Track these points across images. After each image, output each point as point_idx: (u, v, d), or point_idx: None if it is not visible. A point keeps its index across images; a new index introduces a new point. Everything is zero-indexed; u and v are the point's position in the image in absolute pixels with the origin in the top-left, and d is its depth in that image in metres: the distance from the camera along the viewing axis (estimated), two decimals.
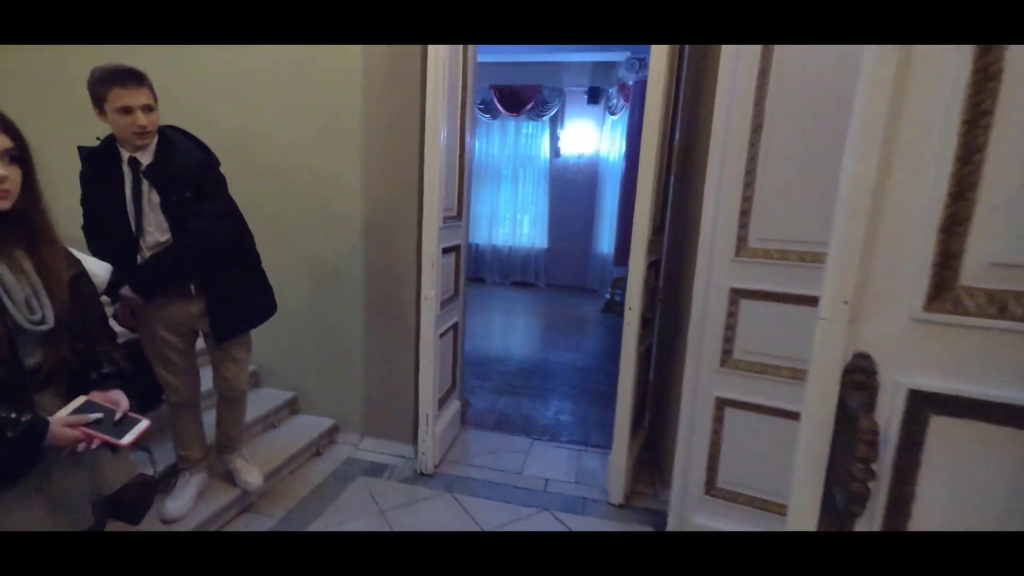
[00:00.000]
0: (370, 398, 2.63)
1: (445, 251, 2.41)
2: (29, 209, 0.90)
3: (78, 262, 1.03)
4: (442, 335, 2.47)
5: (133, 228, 1.66)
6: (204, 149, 1.75)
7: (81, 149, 1.65)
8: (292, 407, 2.74)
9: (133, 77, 1.53)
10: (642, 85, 6.11)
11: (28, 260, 0.91)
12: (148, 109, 1.56)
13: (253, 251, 1.92)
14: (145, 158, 1.63)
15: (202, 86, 2.61)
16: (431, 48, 2.11)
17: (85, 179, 1.67)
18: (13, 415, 0.82)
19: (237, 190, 2.90)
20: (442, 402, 2.60)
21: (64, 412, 0.92)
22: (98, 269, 1.58)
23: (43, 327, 0.90)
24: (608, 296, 6.39)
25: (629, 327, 2.04)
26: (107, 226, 1.68)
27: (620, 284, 5.55)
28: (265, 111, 2.53)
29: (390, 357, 2.56)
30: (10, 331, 0.86)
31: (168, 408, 1.88)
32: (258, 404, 2.57)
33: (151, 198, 1.64)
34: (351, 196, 2.46)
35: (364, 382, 2.63)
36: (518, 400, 3.45)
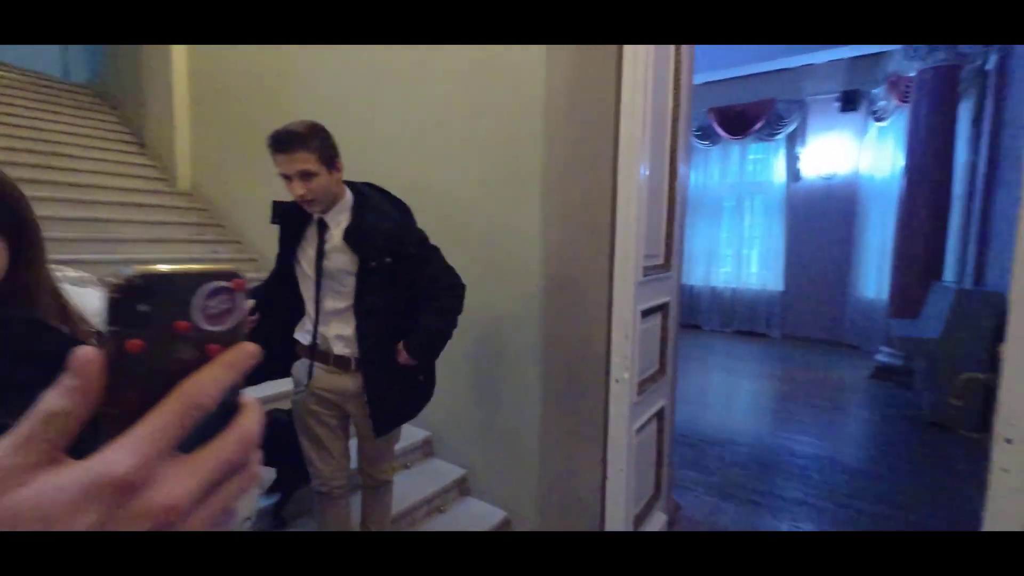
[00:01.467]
0: (547, 494, 2.09)
1: (646, 313, 1.76)
2: (11, 297, 0.62)
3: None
4: (640, 429, 1.79)
5: (313, 294, 1.51)
6: (399, 207, 1.57)
7: (276, 204, 1.53)
8: (462, 487, 2.37)
9: (286, 141, 1.32)
10: (935, 73, 4.45)
11: None
12: (306, 175, 1.35)
13: None
14: (338, 220, 1.46)
15: (375, 141, 2.56)
16: (628, 50, 1.56)
17: (281, 235, 1.57)
18: None
19: None
20: (640, 519, 1.89)
21: None
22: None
23: None
24: (882, 358, 4.70)
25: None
26: (281, 286, 1.56)
27: (907, 346, 3.95)
28: (439, 159, 2.32)
29: (572, 449, 1.99)
30: None
31: (314, 493, 1.65)
32: (426, 480, 2.27)
33: (335, 263, 1.47)
34: (528, 246, 2.03)
35: (540, 473, 2.10)
36: (754, 512, 2.48)
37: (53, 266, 1.10)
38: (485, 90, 2.13)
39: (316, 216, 1.48)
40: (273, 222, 1.53)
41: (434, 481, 2.29)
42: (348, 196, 1.48)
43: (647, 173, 1.60)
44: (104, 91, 5.00)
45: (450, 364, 2.34)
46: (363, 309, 1.48)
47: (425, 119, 2.37)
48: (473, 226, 2.24)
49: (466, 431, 2.38)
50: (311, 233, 1.50)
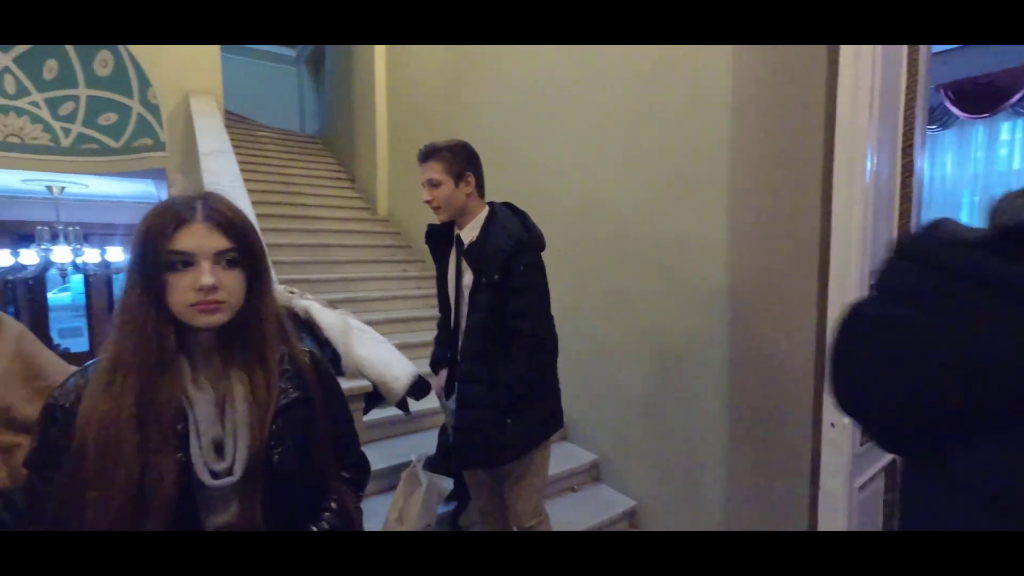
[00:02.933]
0: None
1: None
2: (246, 322, 0.72)
3: (311, 383, 0.79)
4: (864, 486, 1.45)
5: (452, 309, 1.57)
6: (528, 228, 1.51)
7: (429, 227, 1.64)
8: (631, 520, 2.22)
9: (423, 153, 1.48)
10: None
11: (243, 385, 0.72)
12: (433, 184, 1.47)
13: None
14: (470, 236, 1.51)
15: (545, 152, 2.58)
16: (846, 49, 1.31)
17: (432, 257, 1.67)
18: None
19: (575, 263, 2.66)
20: None
21: None
22: (399, 372, 1.53)
23: (224, 481, 0.68)
24: None
25: None
26: (445, 307, 1.64)
27: None
28: (610, 169, 2.24)
29: (766, 499, 1.71)
30: (187, 483, 0.66)
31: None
32: (593, 509, 2.18)
33: (466, 279, 1.51)
34: (711, 260, 1.82)
35: (724, 520, 1.85)
36: None
37: (295, 291, 1.27)
38: (658, 94, 2.00)
39: (455, 234, 1.54)
40: (427, 243, 1.63)
41: (601, 511, 2.18)
42: (483, 213, 1.52)
43: (874, 170, 1.30)
44: (328, 140, 6.08)
45: (621, 385, 2.24)
46: (468, 326, 1.46)
47: (589, 127, 2.33)
48: (642, 239, 2.11)
49: (638, 460, 2.22)
50: (452, 252, 1.57)
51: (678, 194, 1.96)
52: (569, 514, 2.11)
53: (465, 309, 1.50)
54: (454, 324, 1.56)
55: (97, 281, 6.64)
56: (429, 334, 3.39)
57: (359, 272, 3.64)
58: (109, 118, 3.77)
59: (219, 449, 0.69)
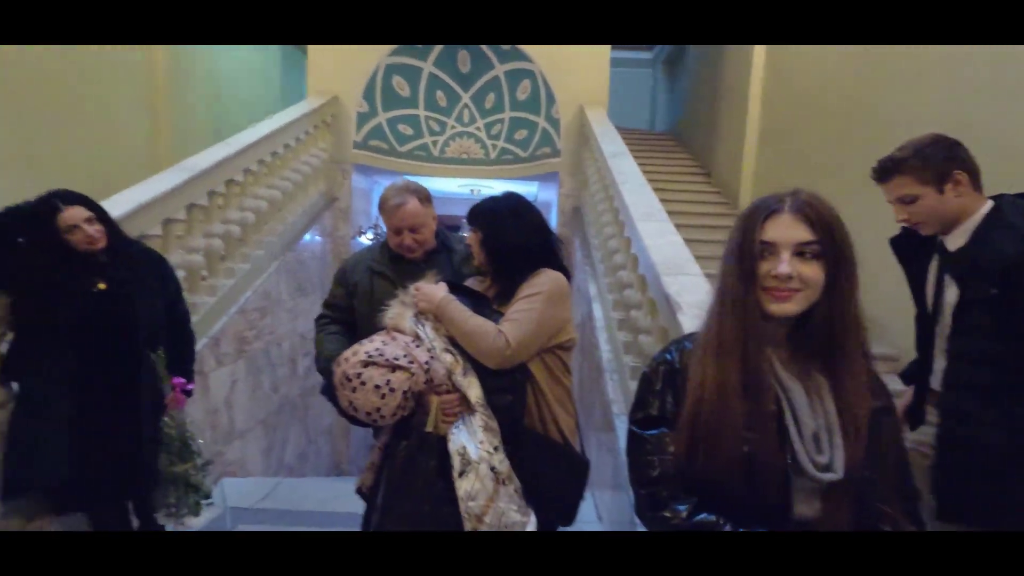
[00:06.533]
0: None
1: None
2: (826, 318, 0.70)
3: (884, 393, 0.76)
4: None
5: (929, 328, 1.30)
6: None
7: (904, 230, 1.37)
8: None
9: (880, 171, 1.27)
10: None
11: (826, 385, 0.72)
12: (906, 200, 1.24)
13: None
14: (957, 243, 1.23)
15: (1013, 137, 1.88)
16: None
17: (906, 275, 1.42)
18: None
19: None
20: None
21: None
22: None
23: (828, 476, 0.67)
24: None
25: None
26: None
27: None
28: None
29: None
30: (786, 469, 0.68)
31: None
32: None
33: (950, 295, 1.22)
34: None
35: None
36: None
37: None
38: None
39: (939, 239, 1.26)
40: (894, 249, 1.38)
41: None
42: (980, 213, 1.21)
43: None
44: (680, 136, 6.19)
45: None
46: (955, 350, 1.20)
47: None
48: None
49: None
50: (934, 264, 1.29)
51: None
52: None
53: (947, 330, 1.23)
54: (935, 347, 1.30)
55: None
56: None
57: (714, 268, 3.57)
58: (522, 133, 4.76)
59: (815, 442, 0.70)
